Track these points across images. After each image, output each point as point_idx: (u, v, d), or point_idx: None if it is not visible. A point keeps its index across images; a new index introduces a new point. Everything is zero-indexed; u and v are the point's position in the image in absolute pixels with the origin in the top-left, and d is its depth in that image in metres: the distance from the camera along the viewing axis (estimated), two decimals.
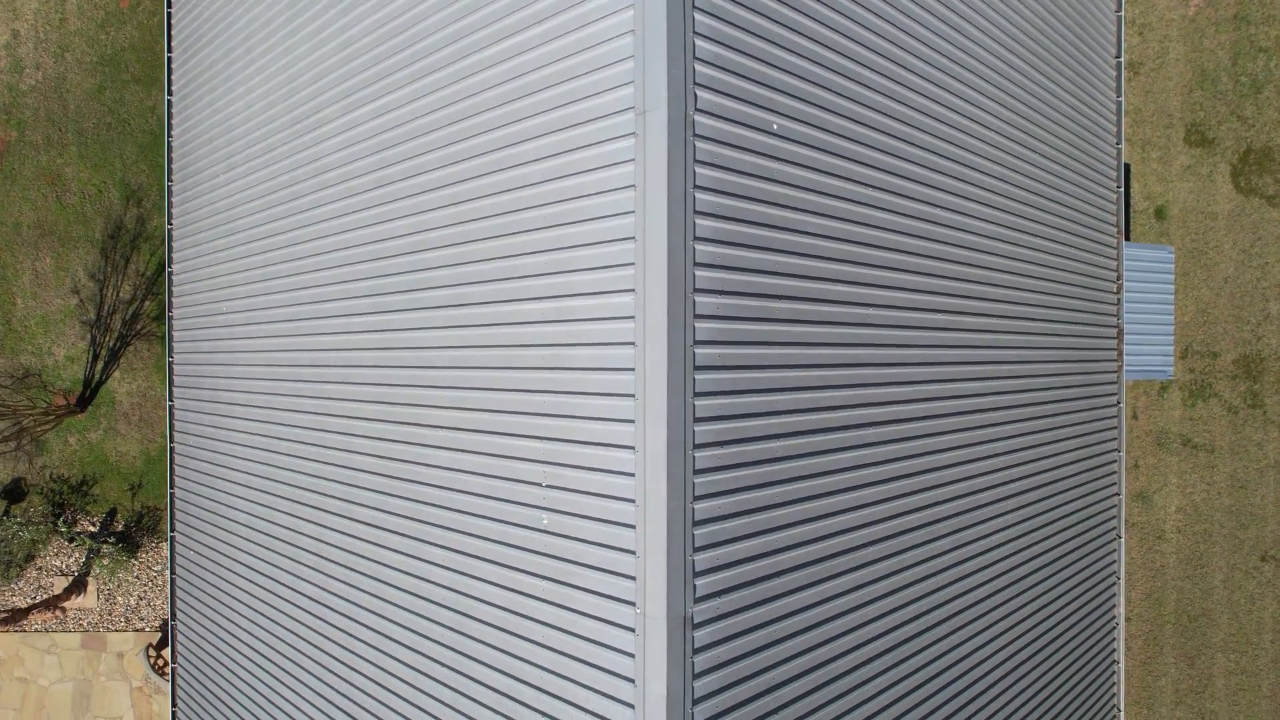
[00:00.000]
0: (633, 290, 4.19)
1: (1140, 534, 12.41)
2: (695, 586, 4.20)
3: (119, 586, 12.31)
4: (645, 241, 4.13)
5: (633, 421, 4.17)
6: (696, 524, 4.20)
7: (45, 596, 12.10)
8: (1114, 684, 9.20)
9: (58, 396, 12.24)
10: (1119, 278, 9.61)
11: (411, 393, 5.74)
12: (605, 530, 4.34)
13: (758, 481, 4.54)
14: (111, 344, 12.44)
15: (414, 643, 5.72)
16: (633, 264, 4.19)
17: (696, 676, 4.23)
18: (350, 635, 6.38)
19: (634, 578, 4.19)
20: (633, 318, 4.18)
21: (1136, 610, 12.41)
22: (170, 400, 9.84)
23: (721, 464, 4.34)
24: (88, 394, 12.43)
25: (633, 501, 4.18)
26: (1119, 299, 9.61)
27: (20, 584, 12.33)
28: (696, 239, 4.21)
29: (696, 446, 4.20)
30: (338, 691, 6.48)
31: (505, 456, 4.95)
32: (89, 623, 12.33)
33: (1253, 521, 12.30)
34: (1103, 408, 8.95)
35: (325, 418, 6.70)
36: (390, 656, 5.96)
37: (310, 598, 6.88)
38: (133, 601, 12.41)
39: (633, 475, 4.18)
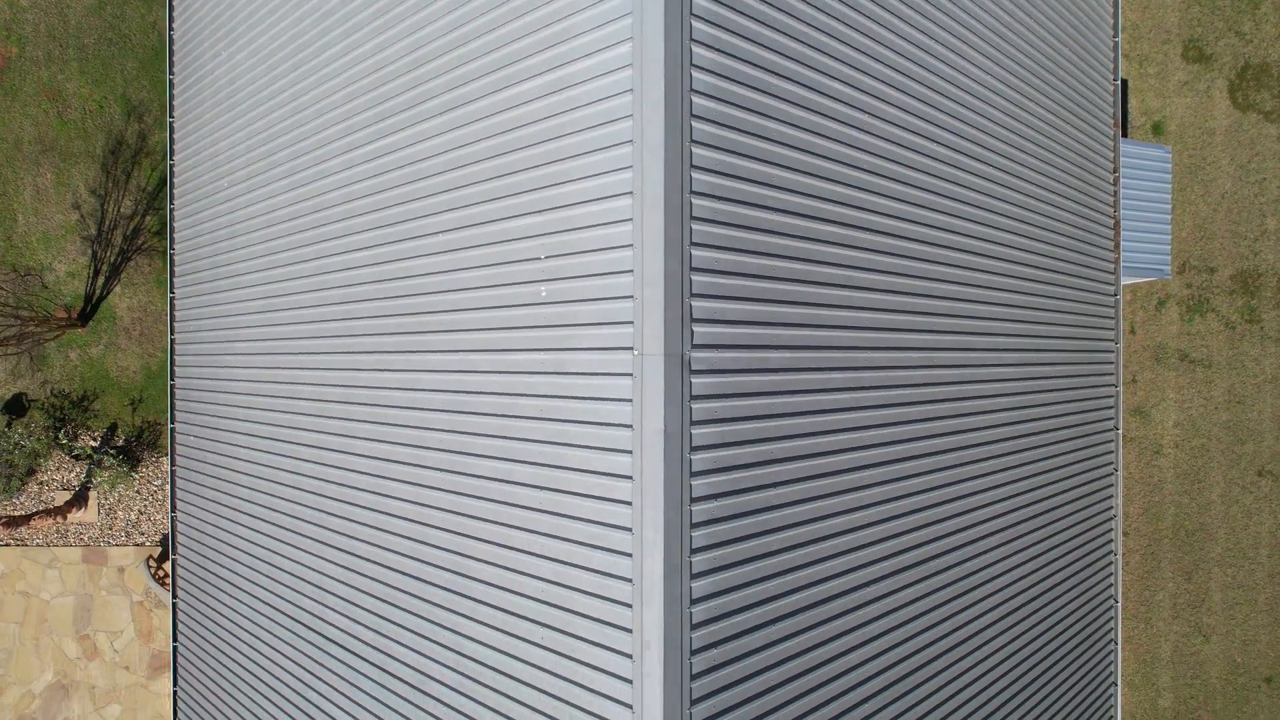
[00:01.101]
0: (630, 65, 4.24)
1: (1138, 449, 12.44)
2: (694, 332, 4.24)
3: (119, 501, 12.35)
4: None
5: (630, 167, 4.21)
6: (694, 271, 4.24)
7: (46, 508, 12.14)
8: (1111, 580, 9.23)
9: (59, 309, 12.28)
10: (1115, 170, 9.65)
11: (410, 207, 5.78)
12: (603, 283, 4.38)
13: (754, 248, 4.58)
14: (112, 259, 12.48)
15: (413, 457, 5.76)
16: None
17: (694, 424, 4.26)
18: (350, 469, 6.42)
19: (631, 322, 4.22)
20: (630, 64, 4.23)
21: (1134, 525, 12.44)
22: (171, 293, 9.88)
23: (718, 219, 4.38)
24: (88, 309, 12.47)
25: (630, 246, 4.22)
26: (1115, 192, 9.65)
27: (21, 498, 12.37)
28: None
29: (694, 194, 4.24)
30: (335, 515, 6.53)
31: (504, 241, 4.99)
32: (89, 537, 12.37)
33: (1250, 436, 12.33)
34: (1100, 296, 9.00)
35: (325, 259, 6.75)
36: (389, 479, 5.99)
37: (309, 444, 6.93)
38: (133, 516, 12.45)
39: (630, 220, 4.22)
